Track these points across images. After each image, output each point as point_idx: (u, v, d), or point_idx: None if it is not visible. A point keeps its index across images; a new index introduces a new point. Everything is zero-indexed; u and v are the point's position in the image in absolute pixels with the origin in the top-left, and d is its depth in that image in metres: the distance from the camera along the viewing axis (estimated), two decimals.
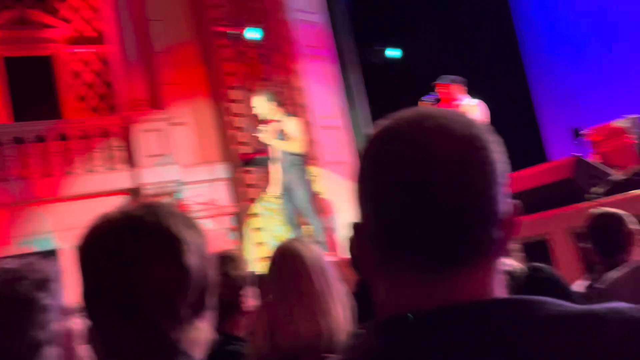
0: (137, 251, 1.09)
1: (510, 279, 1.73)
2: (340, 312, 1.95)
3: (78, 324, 1.37)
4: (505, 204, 0.83)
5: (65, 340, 1.37)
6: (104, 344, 1.12)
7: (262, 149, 7.82)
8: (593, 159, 6.92)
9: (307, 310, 1.93)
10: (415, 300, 0.81)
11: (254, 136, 7.87)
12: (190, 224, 1.16)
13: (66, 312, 1.40)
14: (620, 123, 7.51)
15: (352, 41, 10.17)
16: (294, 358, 1.90)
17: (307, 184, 7.46)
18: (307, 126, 9.09)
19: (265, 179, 9.03)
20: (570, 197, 5.26)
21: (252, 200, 9.16)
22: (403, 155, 0.82)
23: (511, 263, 1.81)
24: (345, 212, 8.90)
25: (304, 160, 7.61)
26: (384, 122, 0.87)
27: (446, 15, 11.18)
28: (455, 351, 0.76)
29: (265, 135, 7.22)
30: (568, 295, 1.88)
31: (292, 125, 7.21)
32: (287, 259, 2.02)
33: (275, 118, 7.21)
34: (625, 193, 4.66)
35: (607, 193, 5.16)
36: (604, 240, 2.92)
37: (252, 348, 2.04)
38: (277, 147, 7.29)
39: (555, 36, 10.54)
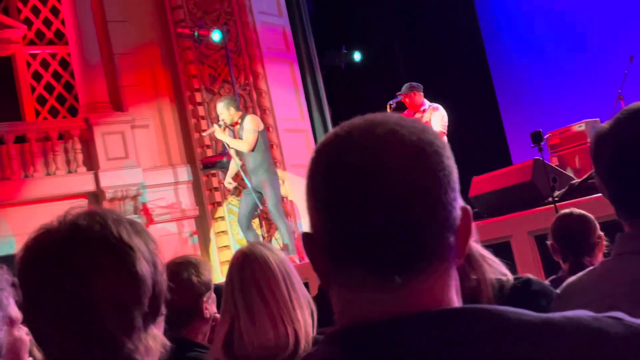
0: (87, 262, 1.06)
1: (499, 290, 1.72)
2: (305, 318, 1.93)
3: (27, 333, 1.34)
4: (458, 209, 0.82)
5: (11, 350, 1.34)
6: (51, 357, 1.09)
7: (225, 152, 7.80)
8: (552, 162, 7.04)
9: (272, 317, 1.89)
10: (369, 310, 0.80)
11: (204, 136, 7.94)
12: (138, 229, 1.13)
13: (14, 321, 1.37)
14: (579, 127, 7.67)
15: (314, 44, 10.19)
16: None
17: (277, 186, 7.46)
18: (269, 129, 9.08)
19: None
20: (530, 200, 5.34)
21: (217, 203, 9.11)
22: (352, 162, 0.79)
23: (505, 272, 1.79)
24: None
25: (272, 163, 7.62)
26: (334, 130, 0.85)
27: (410, 18, 11.26)
28: None
29: (217, 132, 7.24)
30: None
31: (246, 122, 7.22)
32: (251, 263, 1.96)
33: (235, 121, 7.25)
34: (587, 197, 4.73)
35: (565, 196, 5.25)
36: (571, 242, 2.91)
37: (210, 357, 2.00)
38: (228, 143, 7.32)
39: (520, 40, 10.69)
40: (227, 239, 9.01)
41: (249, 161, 7.29)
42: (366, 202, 0.78)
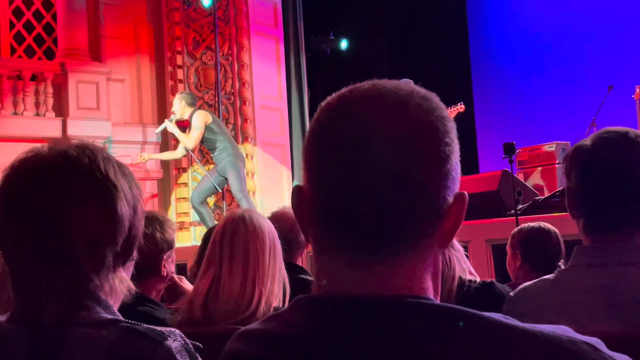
0: (70, 192, 1.06)
1: (460, 287, 1.76)
2: (274, 288, 1.97)
3: None
4: (449, 196, 0.80)
5: None
6: (20, 280, 1.08)
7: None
8: (519, 177, 7.15)
9: (245, 276, 1.94)
10: (337, 284, 0.79)
11: (156, 132, 8.13)
12: (125, 172, 1.13)
13: None
14: (549, 147, 7.80)
15: (303, 26, 10.13)
16: (221, 321, 1.90)
17: (240, 171, 7.48)
18: (246, 103, 9.03)
19: (198, 150, 8.93)
20: (493, 210, 5.42)
21: (182, 169, 9.03)
22: (340, 131, 0.78)
23: (473, 273, 1.83)
24: (274, 195, 8.89)
25: (235, 146, 7.65)
26: (343, 90, 0.83)
27: (401, 16, 11.28)
28: (342, 343, 0.75)
29: (168, 126, 7.42)
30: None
31: (194, 118, 7.36)
32: (247, 228, 2.01)
33: (185, 117, 7.40)
34: (549, 214, 4.83)
35: (527, 210, 5.34)
36: (534, 254, 2.96)
37: (185, 314, 2.02)
38: (177, 136, 7.53)
39: (507, 54, 10.79)
40: (187, 206, 8.95)
41: (213, 149, 7.40)
42: (348, 174, 0.77)
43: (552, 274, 1.62)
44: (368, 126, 0.77)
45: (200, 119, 7.35)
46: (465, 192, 0.82)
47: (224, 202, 8.09)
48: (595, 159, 1.51)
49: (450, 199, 0.80)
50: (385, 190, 0.76)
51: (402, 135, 0.77)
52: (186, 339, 1.09)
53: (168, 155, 8.11)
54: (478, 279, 1.81)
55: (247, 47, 9.27)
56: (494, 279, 1.89)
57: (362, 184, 0.76)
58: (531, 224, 3.11)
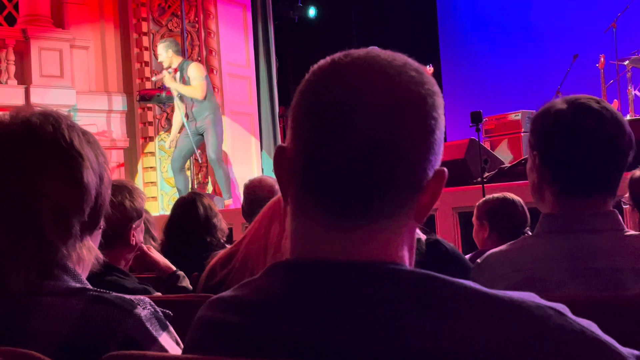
0: (34, 161, 1.04)
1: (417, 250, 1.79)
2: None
3: None
4: (429, 170, 0.80)
5: None
6: None
7: (165, 86, 7.65)
8: (486, 145, 7.22)
9: None
10: (312, 247, 0.80)
11: (154, 80, 7.85)
12: (90, 140, 1.12)
13: None
14: (515, 116, 7.88)
15: None
16: None
17: (220, 132, 7.37)
18: (213, 71, 8.92)
19: (165, 118, 8.82)
20: (460, 178, 5.47)
21: (149, 138, 8.93)
22: (329, 94, 0.78)
23: (417, 233, 1.86)
24: (243, 165, 8.85)
25: (218, 107, 7.53)
26: (335, 55, 0.83)
27: None
28: (315, 308, 0.76)
29: (166, 79, 7.18)
30: (466, 268, 1.96)
31: (192, 70, 7.14)
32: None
33: (174, 66, 7.18)
34: (515, 182, 4.90)
35: (494, 178, 5.41)
36: (502, 224, 3.02)
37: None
38: (179, 90, 7.21)
39: (474, 23, 10.80)
40: (155, 175, 8.88)
41: (195, 103, 7.19)
42: (332, 137, 0.77)
43: (518, 240, 1.65)
44: (357, 93, 0.77)
45: (200, 69, 7.18)
46: (445, 169, 0.82)
47: (190, 170, 8.01)
48: (578, 125, 1.54)
49: (431, 174, 0.80)
50: (367, 156, 0.76)
51: (390, 104, 0.77)
52: (156, 307, 1.08)
53: (187, 90, 7.21)
54: (423, 238, 1.85)
55: (214, 14, 9.13)
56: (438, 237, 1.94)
57: (346, 147, 0.76)
58: (495, 195, 3.17)
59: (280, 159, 0.84)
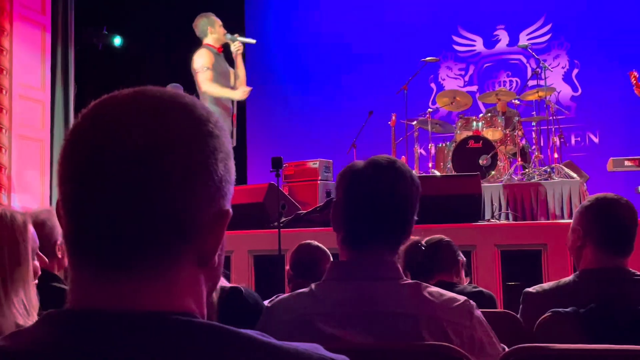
0: None
1: (220, 297, 1.76)
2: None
3: None
4: (207, 212, 0.77)
5: None
6: None
7: None
8: (284, 190, 7.40)
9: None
10: (85, 298, 0.76)
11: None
12: None
13: None
14: (313, 164, 8.19)
15: (74, 16, 9.57)
16: None
17: None
18: (3, 91, 8.29)
19: None
20: (257, 221, 5.53)
21: None
22: (88, 140, 0.75)
23: (224, 282, 1.84)
24: (30, 194, 8.25)
25: None
26: (104, 96, 0.79)
27: (179, 16, 11.13)
28: (79, 356, 0.71)
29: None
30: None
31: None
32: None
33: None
34: (310, 228, 5.04)
35: (290, 223, 5.53)
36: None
37: None
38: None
39: (283, 67, 11.05)
40: None
41: None
42: (86, 191, 0.74)
43: (307, 288, 1.69)
44: (112, 136, 0.73)
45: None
46: (230, 210, 0.80)
47: None
48: (362, 178, 1.64)
49: (207, 217, 0.77)
50: (123, 204, 0.73)
51: (147, 147, 0.73)
52: None
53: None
54: (227, 285, 1.85)
55: (9, 31, 8.52)
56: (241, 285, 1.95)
57: (102, 197, 0.73)
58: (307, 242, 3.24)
59: (57, 214, 0.80)
